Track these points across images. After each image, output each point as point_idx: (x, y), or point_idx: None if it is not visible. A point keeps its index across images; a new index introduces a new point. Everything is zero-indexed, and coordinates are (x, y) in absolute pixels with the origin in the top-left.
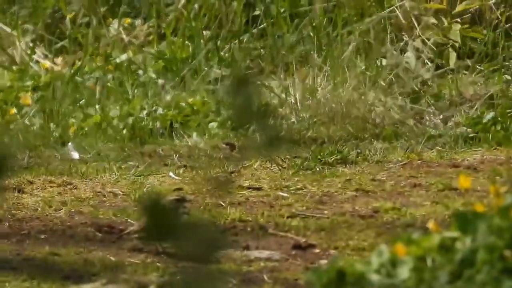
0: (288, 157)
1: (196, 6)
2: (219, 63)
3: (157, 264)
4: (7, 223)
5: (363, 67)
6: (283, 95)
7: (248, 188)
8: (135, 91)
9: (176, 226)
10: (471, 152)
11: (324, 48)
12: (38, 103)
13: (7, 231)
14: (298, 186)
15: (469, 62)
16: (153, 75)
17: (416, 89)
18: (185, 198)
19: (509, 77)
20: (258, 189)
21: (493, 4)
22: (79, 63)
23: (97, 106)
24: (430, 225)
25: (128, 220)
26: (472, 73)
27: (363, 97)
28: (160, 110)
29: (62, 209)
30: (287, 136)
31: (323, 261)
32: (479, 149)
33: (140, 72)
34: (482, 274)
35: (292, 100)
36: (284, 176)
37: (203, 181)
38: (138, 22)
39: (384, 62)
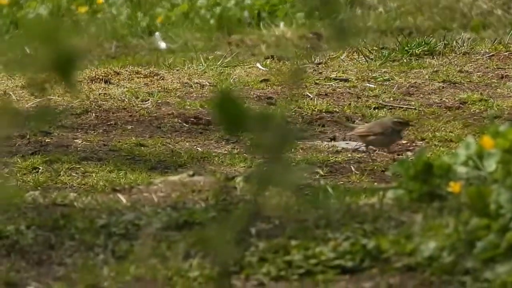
0: (375, 48)
1: None
2: None
3: (244, 155)
4: (93, 114)
5: None
6: None
7: (335, 79)
8: None
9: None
10: None
11: None
12: None
13: (94, 122)
14: (385, 77)
15: None
16: None
17: None
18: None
19: None
20: (345, 80)
21: None
22: None
23: None
24: None
25: None
26: None
27: None
28: (247, 0)
29: (149, 100)
30: (374, 26)
31: (410, 153)
32: None
33: None
34: None
35: None
36: (371, 67)
37: (285, 72)
38: None
39: None
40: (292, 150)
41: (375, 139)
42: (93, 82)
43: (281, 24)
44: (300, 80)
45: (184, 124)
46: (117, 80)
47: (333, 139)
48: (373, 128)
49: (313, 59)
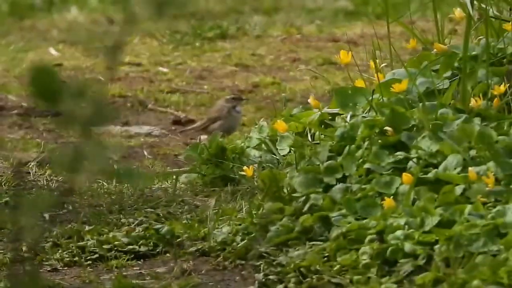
0: (168, 32)
1: None
2: None
3: (37, 140)
4: None
5: None
6: None
7: (128, 63)
8: None
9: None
10: (350, 26)
11: None
12: None
13: None
14: (178, 61)
15: None
16: None
17: None
18: None
19: None
20: (138, 64)
21: None
22: None
23: None
24: (310, 100)
25: (8, 96)
26: None
27: None
28: None
29: None
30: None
31: (204, 137)
32: (359, 23)
33: None
34: (362, 149)
35: None
36: (164, 51)
37: (83, 55)
38: None
39: None
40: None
41: (217, 126)
42: None
43: (73, 9)
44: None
45: None
46: None
47: (126, 123)
48: (209, 116)
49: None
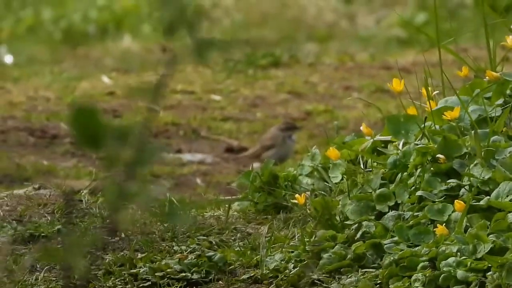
0: (221, 60)
1: None
2: None
3: (89, 168)
4: None
5: None
6: None
7: (181, 91)
8: None
9: (106, 131)
10: (403, 54)
11: None
12: None
13: None
14: (231, 89)
15: None
16: None
17: None
18: None
19: None
20: (191, 92)
21: None
22: None
23: (29, 9)
24: (363, 128)
25: (61, 124)
26: None
27: None
28: (93, 13)
29: None
30: (219, 41)
31: (256, 165)
32: (411, 50)
33: None
34: (414, 177)
35: (225, 2)
36: (217, 79)
37: (137, 85)
38: None
39: None
40: (150, 166)
41: (270, 154)
42: None
43: (127, 37)
44: (162, 93)
45: (30, 138)
46: None
47: (179, 151)
48: (263, 143)
49: (159, 72)
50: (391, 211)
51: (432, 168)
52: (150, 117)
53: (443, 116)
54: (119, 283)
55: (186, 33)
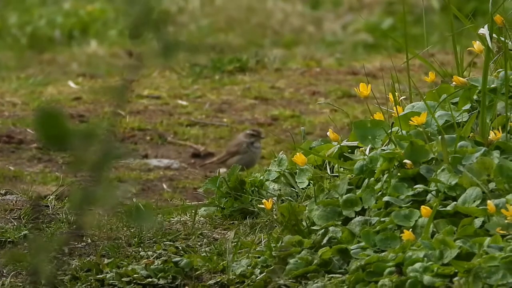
0: (187, 65)
1: None
2: None
3: (56, 173)
4: None
5: None
6: (182, 2)
7: (147, 96)
8: None
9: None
10: (370, 59)
11: None
12: None
13: None
14: (198, 94)
15: None
16: None
17: None
18: None
19: None
20: (157, 97)
21: None
22: None
23: None
24: (329, 133)
25: (27, 130)
26: None
27: (262, 3)
28: (59, 18)
29: None
30: (186, 43)
31: (223, 170)
32: (378, 56)
33: None
34: (381, 182)
35: (191, 6)
36: (183, 84)
37: (102, 89)
38: None
39: None
40: (112, 168)
41: (235, 160)
42: None
43: (93, 42)
44: (127, 97)
45: None
46: None
47: (146, 156)
48: (229, 149)
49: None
50: (358, 216)
51: (399, 174)
52: (115, 121)
53: (410, 121)
54: None
55: (152, 36)
